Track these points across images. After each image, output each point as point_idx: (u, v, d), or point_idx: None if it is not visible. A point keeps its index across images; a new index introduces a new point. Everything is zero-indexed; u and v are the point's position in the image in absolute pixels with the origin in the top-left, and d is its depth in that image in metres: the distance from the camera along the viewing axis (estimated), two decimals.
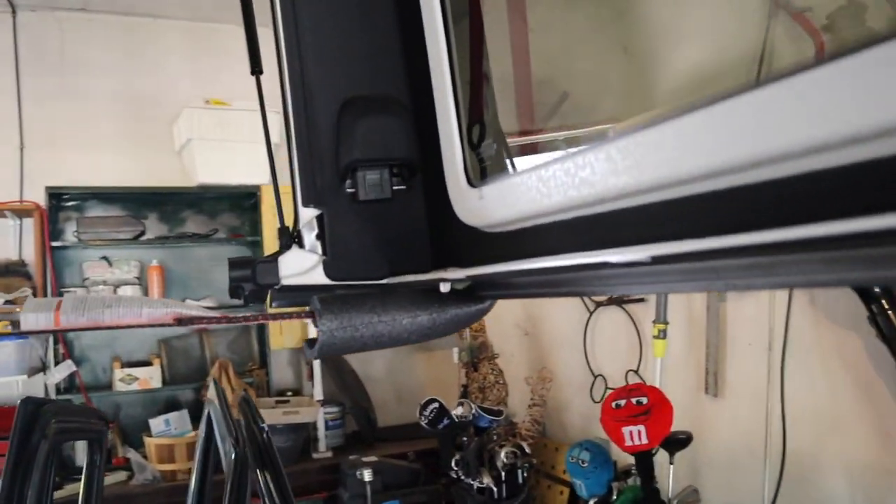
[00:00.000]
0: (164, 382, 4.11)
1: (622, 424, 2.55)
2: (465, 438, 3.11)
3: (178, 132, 4.15)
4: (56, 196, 4.00)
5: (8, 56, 4.06)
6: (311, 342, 1.25)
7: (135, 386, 4.01)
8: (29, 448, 1.39)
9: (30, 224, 4.05)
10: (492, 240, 1.20)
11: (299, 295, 1.38)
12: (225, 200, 4.46)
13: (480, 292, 1.27)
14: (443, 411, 3.05)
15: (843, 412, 2.58)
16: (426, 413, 3.04)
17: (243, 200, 4.43)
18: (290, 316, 1.21)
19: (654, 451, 2.61)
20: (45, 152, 4.11)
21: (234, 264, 1.33)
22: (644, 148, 0.56)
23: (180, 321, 1.14)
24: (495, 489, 3.06)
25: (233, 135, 4.05)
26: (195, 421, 3.98)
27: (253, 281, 1.34)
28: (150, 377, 4.05)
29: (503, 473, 3.09)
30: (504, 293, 1.27)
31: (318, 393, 4.13)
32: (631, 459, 2.93)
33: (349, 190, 1.36)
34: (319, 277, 1.38)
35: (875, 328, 2.17)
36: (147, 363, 4.11)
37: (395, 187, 1.36)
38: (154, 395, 4.11)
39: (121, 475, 3.83)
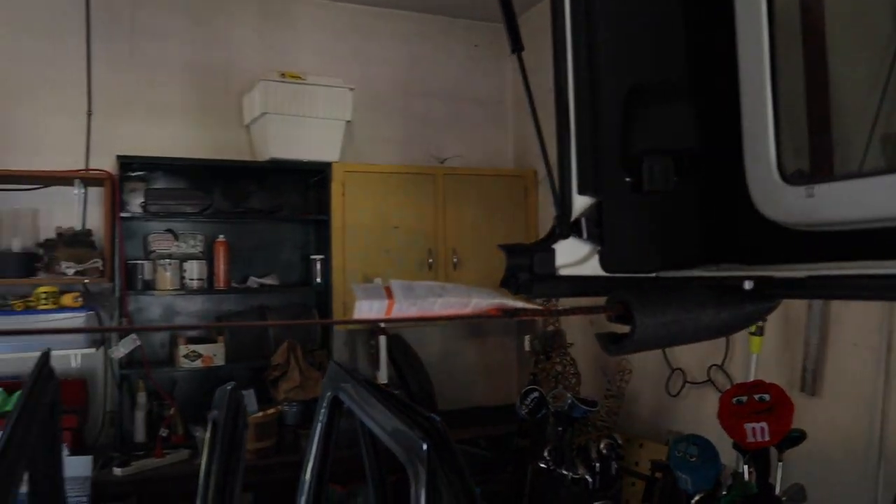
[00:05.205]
0: (227, 360, 4.02)
1: (744, 421, 2.54)
2: (559, 428, 3.09)
3: (251, 104, 4.04)
4: (124, 166, 3.87)
5: (79, 20, 3.91)
6: (614, 337, 1.21)
7: (198, 363, 3.92)
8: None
9: (94, 193, 3.94)
10: (813, 238, 1.17)
11: (565, 286, 1.33)
12: (290, 177, 4.35)
13: (770, 290, 1.24)
14: (542, 401, 3.03)
15: None
16: (527, 402, 3.02)
17: (309, 177, 4.33)
18: (598, 310, 1.17)
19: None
20: (111, 120, 3.98)
21: (512, 251, 1.28)
22: None
23: (505, 313, 1.10)
24: (590, 480, 3.05)
25: (306, 110, 3.96)
26: (261, 402, 3.92)
27: (529, 270, 1.29)
28: (214, 354, 3.96)
29: (597, 465, 3.08)
30: (800, 293, 1.24)
31: (384, 376, 4.08)
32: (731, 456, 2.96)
33: (628, 179, 1.32)
34: (590, 269, 1.34)
35: None
36: (209, 340, 4.02)
37: (675, 178, 1.32)
38: (210, 372, 4.00)
39: (183, 454, 3.76)
